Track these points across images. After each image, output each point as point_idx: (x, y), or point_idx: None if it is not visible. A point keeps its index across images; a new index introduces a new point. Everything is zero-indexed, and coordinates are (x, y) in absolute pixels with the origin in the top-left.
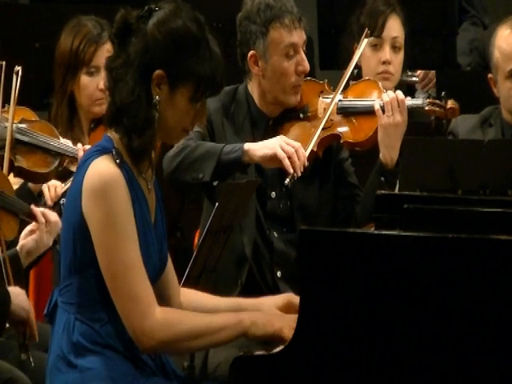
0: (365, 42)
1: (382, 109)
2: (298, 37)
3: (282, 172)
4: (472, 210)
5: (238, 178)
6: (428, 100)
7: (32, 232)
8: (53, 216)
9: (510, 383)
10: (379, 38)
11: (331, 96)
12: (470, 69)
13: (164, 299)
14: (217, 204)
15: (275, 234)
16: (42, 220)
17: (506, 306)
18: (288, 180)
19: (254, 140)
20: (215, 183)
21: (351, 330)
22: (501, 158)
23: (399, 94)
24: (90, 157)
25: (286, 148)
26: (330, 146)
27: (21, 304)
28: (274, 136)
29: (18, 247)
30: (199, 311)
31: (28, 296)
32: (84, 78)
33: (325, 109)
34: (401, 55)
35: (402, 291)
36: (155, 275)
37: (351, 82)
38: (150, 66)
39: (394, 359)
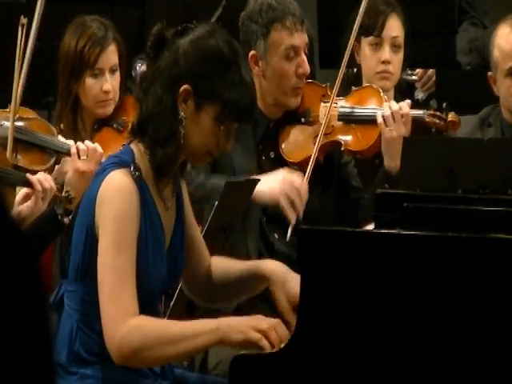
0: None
1: (385, 121)
2: (300, 39)
3: None
4: (472, 209)
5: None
6: (429, 111)
7: (27, 197)
8: (47, 183)
9: (509, 383)
10: (379, 37)
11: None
12: (470, 68)
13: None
14: (216, 203)
15: (276, 236)
16: (39, 187)
17: (506, 305)
18: (289, 235)
19: (255, 140)
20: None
21: (351, 329)
22: (501, 156)
23: (403, 106)
24: (108, 167)
25: (290, 194)
26: (331, 150)
27: None
28: (274, 138)
29: (14, 213)
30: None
31: None
32: (89, 81)
33: (325, 115)
34: (400, 55)
35: (402, 290)
36: (161, 290)
37: (353, 88)
38: (177, 80)
39: (394, 359)
